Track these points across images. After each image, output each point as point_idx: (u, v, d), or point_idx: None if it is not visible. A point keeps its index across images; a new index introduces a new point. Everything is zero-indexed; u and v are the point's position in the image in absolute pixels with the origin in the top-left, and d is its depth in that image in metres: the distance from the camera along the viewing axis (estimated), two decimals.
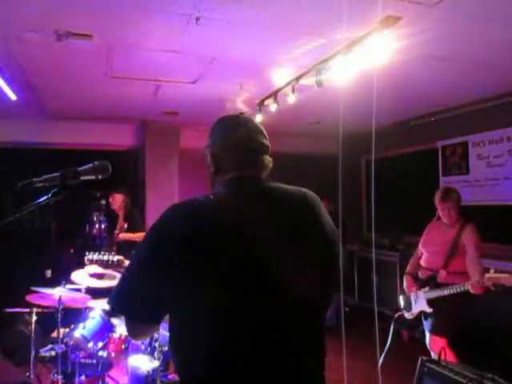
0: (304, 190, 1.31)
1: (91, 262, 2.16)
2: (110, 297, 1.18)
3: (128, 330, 1.22)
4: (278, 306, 1.12)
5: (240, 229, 1.11)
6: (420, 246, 3.50)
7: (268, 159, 1.30)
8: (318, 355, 1.21)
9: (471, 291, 2.91)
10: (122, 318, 1.17)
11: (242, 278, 1.10)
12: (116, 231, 4.84)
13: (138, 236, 4.75)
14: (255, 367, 1.10)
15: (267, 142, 1.32)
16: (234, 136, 1.27)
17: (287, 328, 1.14)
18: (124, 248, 4.74)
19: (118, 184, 5.08)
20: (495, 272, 2.81)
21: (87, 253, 2.22)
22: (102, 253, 2.19)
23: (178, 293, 1.09)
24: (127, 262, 2.06)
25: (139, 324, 1.18)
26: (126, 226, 4.82)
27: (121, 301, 1.16)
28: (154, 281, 1.10)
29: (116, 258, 2.13)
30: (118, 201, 4.99)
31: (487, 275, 2.82)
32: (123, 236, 4.77)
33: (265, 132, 1.33)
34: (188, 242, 1.08)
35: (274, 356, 1.11)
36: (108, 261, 2.12)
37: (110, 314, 3.41)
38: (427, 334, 3.30)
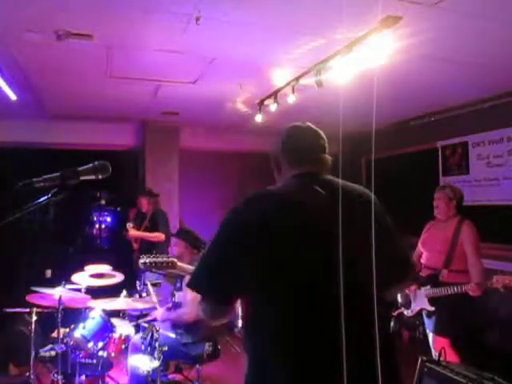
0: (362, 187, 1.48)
1: (145, 265, 2.09)
2: (190, 278, 1.31)
3: (204, 312, 1.31)
4: (350, 289, 1.19)
5: (309, 216, 1.26)
6: (419, 245, 3.51)
7: (327, 157, 1.48)
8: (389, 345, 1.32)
9: (470, 293, 2.93)
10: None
11: (316, 261, 1.22)
12: (128, 225, 5.01)
13: (152, 236, 4.86)
14: (324, 352, 1.18)
15: (325, 144, 1.50)
16: (297, 138, 1.48)
17: (358, 316, 1.23)
18: (144, 246, 4.94)
19: (144, 188, 5.39)
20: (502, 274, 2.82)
21: (141, 256, 2.15)
22: (153, 255, 2.14)
23: (255, 275, 1.20)
24: (179, 264, 2.10)
25: (214, 304, 1.30)
26: (147, 225, 5.01)
27: (199, 281, 1.30)
28: (230, 264, 1.22)
29: (170, 259, 2.10)
30: (143, 204, 5.17)
31: (495, 277, 2.82)
32: (133, 233, 5.00)
33: (323, 135, 1.51)
34: (264, 228, 1.21)
35: (345, 342, 1.16)
36: (162, 262, 2.08)
37: (109, 314, 3.41)
38: (430, 334, 3.30)
